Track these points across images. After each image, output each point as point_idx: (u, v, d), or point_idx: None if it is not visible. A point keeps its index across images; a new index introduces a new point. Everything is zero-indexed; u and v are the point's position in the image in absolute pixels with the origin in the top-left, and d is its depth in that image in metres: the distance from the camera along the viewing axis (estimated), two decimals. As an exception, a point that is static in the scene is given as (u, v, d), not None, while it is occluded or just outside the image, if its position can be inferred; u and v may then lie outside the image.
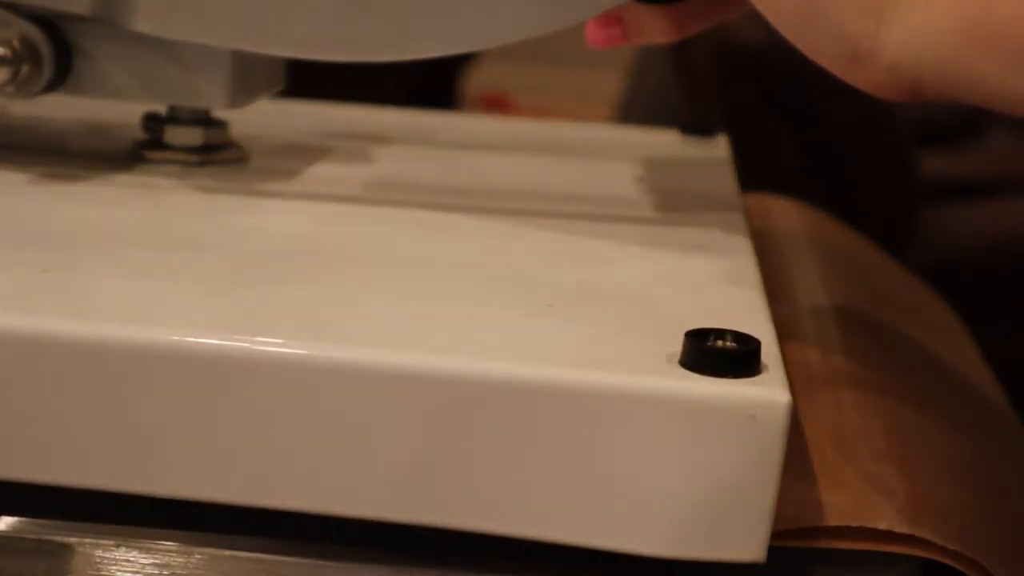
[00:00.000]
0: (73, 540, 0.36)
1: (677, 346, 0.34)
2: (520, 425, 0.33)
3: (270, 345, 0.33)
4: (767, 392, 0.32)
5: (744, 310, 0.38)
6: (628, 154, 0.59)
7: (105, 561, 0.36)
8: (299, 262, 0.41)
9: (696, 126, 0.64)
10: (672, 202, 0.53)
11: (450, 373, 0.33)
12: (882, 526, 0.35)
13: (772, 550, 0.33)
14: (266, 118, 0.59)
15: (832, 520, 0.35)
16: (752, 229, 0.48)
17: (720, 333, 0.34)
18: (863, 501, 0.36)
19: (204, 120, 0.51)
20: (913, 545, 0.35)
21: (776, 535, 0.33)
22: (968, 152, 1.79)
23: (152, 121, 0.51)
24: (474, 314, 0.37)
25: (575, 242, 0.45)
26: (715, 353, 0.33)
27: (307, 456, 0.34)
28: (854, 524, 0.35)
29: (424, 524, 0.34)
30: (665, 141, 0.63)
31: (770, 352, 0.34)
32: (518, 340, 0.35)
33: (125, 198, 0.47)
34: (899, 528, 0.35)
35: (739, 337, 0.34)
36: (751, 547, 0.33)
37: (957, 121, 1.86)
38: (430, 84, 1.58)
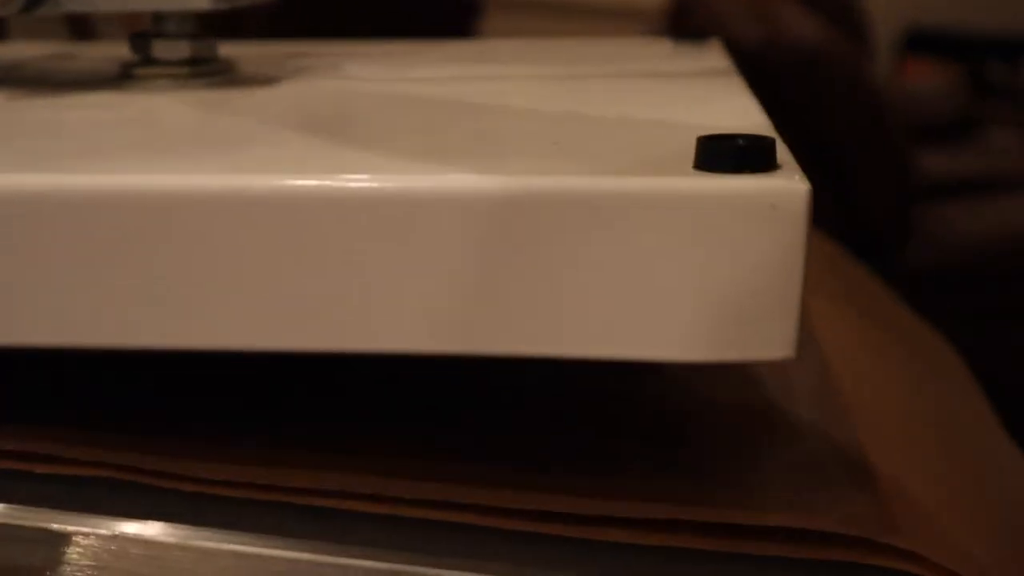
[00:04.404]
0: (71, 528, 0.35)
1: (690, 155, 0.33)
2: (543, 239, 0.32)
3: (287, 179, 0.32)
4: (785, 182, 0.32)
5: (751, 124, 0.38)
6: (622, 52, 0.59)
7: (103, 551, 0.35)
8: (316, 126, 0.41)
9: (688, 33, 0.63)
10: (670, 70, 0.52)
11: (468, 191, 0.32)
12: (882, 539, 0.33)
13: (760, 560, 0.33)
14: (252, 50, 0.59)
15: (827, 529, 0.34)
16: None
17: (731, 136, 0.33)
18: (858, 512, 0.35)
19: (191, 34, 0.51)
20: (907, 561, 0.33)
21: (769, 542, 0.33)
22: (968, 152, 1.79)
23: (139, 39, 0.51)
24: (483, 155, 0.36)
25: (573, 97, 0.44)
26: (730, 151, 0.32)
27: (341, 290, 0.33)
28: (850, 534, 0.34)
29: (450, 352, 0.33)
30: (659, 47, 0.63)
31: (782, 152, 0.33)
32: (533, 166, 0.34)
33: (116, 103, 0.47)
34: (895, 542, 0.33)
35: (751, 137, 0.33)
36: (781, 344, 0.32)
37: (957, 121, 1.86)
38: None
